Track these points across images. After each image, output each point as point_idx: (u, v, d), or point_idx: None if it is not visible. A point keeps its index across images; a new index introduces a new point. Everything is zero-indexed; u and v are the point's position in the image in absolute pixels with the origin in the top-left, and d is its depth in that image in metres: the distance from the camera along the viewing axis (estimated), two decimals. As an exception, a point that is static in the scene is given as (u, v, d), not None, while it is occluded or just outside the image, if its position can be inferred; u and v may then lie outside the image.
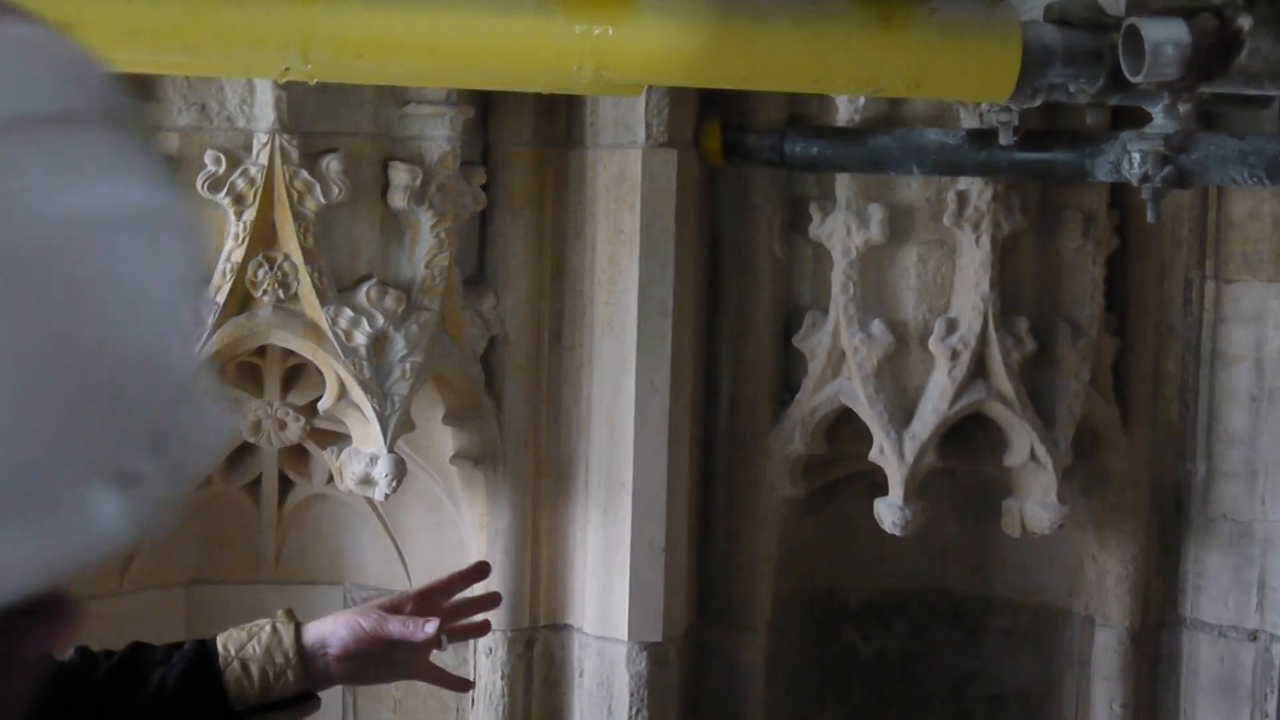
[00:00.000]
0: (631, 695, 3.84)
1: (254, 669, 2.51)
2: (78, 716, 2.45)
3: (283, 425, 3.84)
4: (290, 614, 2.55)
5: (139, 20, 2.60)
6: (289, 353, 3.61)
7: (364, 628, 2.53)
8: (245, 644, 2.56)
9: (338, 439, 3.79)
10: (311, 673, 2.53)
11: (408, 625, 2.53)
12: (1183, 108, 2.93)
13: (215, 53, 2.70)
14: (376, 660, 2.56)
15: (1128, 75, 2.78)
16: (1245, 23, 2.71)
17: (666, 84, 3.39)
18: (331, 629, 2.56)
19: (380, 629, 2.52)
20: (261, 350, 3.67)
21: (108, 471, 0.99)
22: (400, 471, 3.56)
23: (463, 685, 2.82)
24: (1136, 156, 3.21)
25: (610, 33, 2.73)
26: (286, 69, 2.80)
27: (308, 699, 2.52)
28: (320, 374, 3.63)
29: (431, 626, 2.53)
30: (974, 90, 2.98)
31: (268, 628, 2.56)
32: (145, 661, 2.54)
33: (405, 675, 2.62)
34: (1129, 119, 3.45)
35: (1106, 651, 4.12)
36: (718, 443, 3.97)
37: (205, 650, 2.51)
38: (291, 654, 2.54)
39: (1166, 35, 2.71)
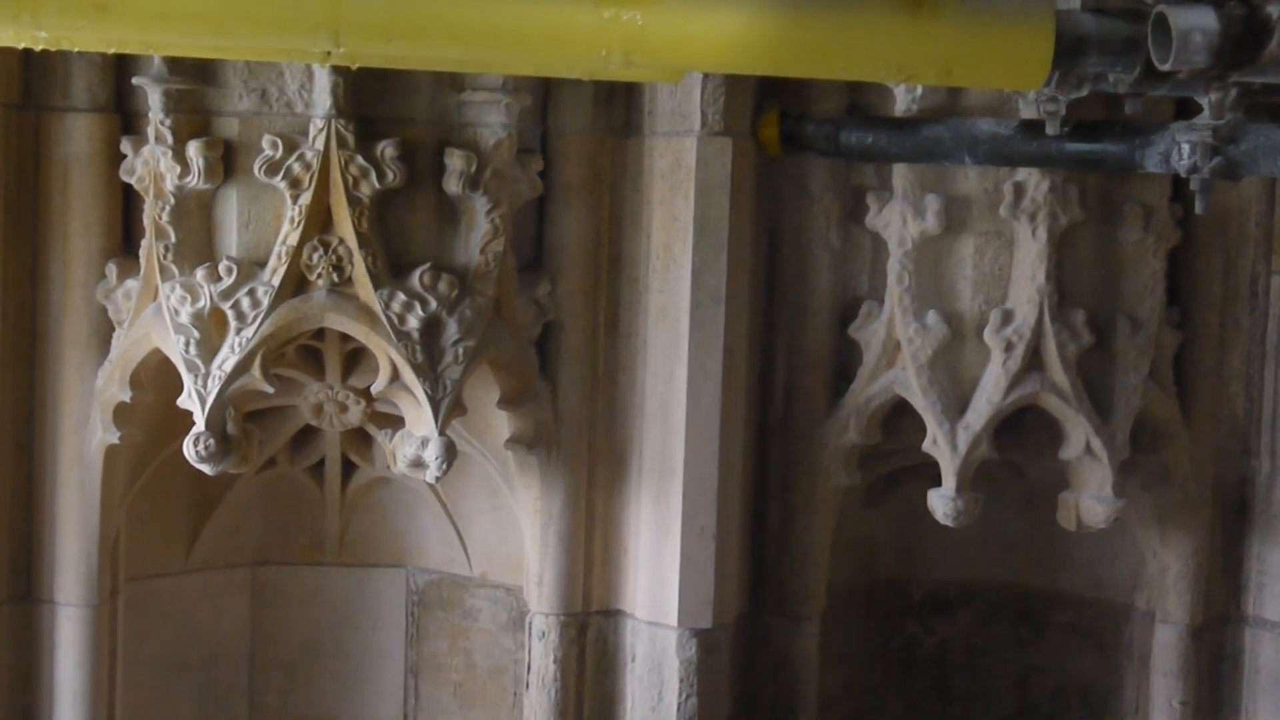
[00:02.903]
0: (681, 681, 3.86)
1: None
2: None
3: (344, 408, 3.89)
4: None
5: (170, 5, 2.64)
6: (348, 337, 3.66)
7: None
8: None
9: (398, 422, 3.84)
10: None
11: None
12: (1215, 96, 2.90)
13: (246, 36, 2.72)
14: None
15: (1156, 63, 2.74)
16: (1274, 10, 2.68)
17: (696, 70, 3.40)
18: None
19: None
20: (321, 334, 3.72)
21: None
22: (450, 455, 3.60)
23: None
24: (1185, 147, 3.18)
25: (639, 19, 2.73)
26: (328, 53, 2.83)
27: None
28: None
29: None
30: (1007, 78, 2.96)
31: None
32: None
33: None
34: (1189, 112, 3.42)
35: (1166, 648, 4.08)
36: (773, 431, 3.98)
37: None
38: None
39: (1195, 23, 2.68)
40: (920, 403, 3.81)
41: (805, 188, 3.89)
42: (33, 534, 3.80)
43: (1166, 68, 2.74)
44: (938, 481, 3.84)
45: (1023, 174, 3.70)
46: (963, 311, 3.80)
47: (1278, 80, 2.93)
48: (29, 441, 3.78)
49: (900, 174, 3.78)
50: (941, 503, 3.81)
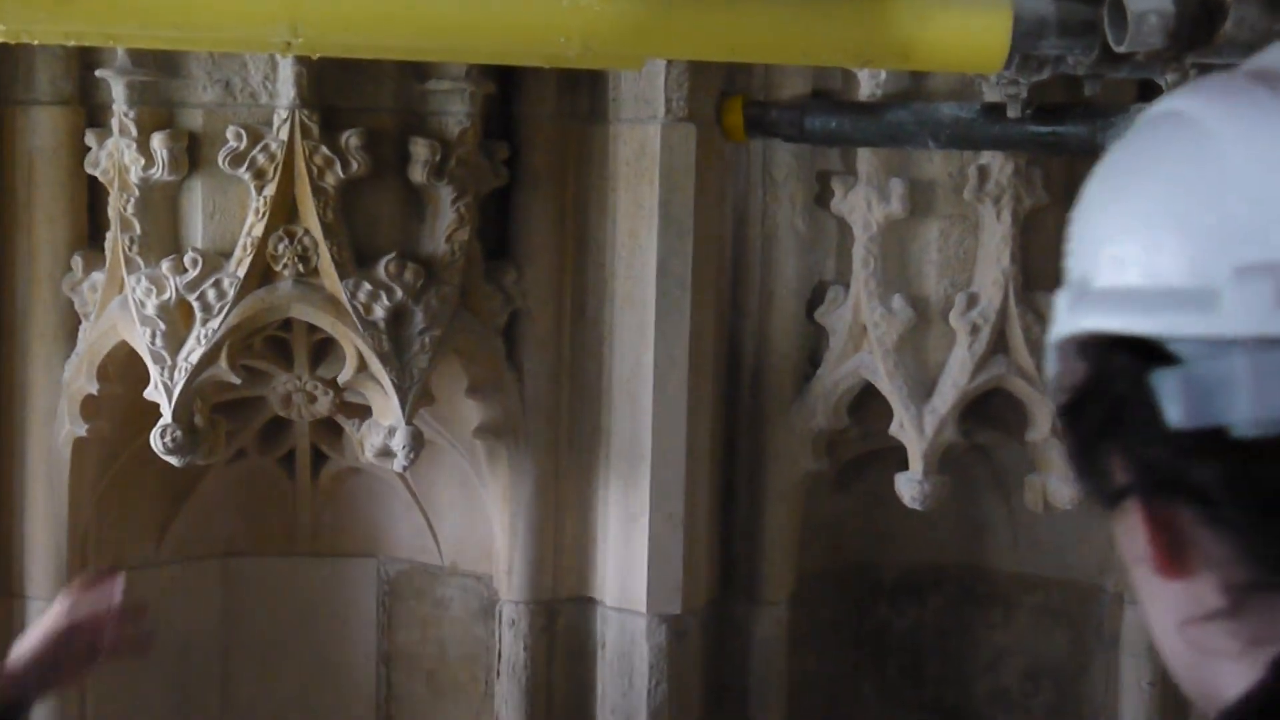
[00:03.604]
0: (651, 667, 3.87)
1: None
2: None
3: (313, 399, 3.90)
4: None
5: (129, -3, 2.65)
6: (316, 327, 3.66)
7: (52, 628, 2.79)
8: None
9: (366, 412, 3.84)
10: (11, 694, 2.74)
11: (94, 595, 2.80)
12: (1172, 77, 2.92)
13: (205, 27, 2.74)
14: (62, 658, 2.78)
15: (1112, 44, 2.76)
16: (1229, -9, 2.70)
17: (655, 56, 3.41)
18: (22, 647, 2.71)
19: (71, 616, 2.79)
20: (288, 324, 3.72)
21: None
22: (418, 443, 3.60)
23: (147, 643, 2.95)
24: (1147, 128, 3.19)
25: (597, 5, 2.75)
26: (288, 43, 2.84)
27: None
28: (347, 348, 3.68)
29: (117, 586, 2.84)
30: (966, 62, 2.97)
31: None
32: None
33: (94, 657, 2.88)
34: (1152, 94, 3.44)
35: (1135, 629, 4.09)
36: (740, 417, 3.99)
37: None
38: None
39: (1150, 4, 2.69)
40: (886, 387, 3.82)
41: (770, 173, 3.90)
42: (1, 529, 3.80)
43: (1123, 50, 2.75)
44: (905, 466, 3.86)
45: (987, 158, 3.72)
46: (928, 295, 3.81)
47: (1234, 61, 2.94)
48: (-4, 435, 3.79)
49: (865, 159, 3.79)
50: (909, 486, 3.82)
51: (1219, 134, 1.30)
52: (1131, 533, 1.33)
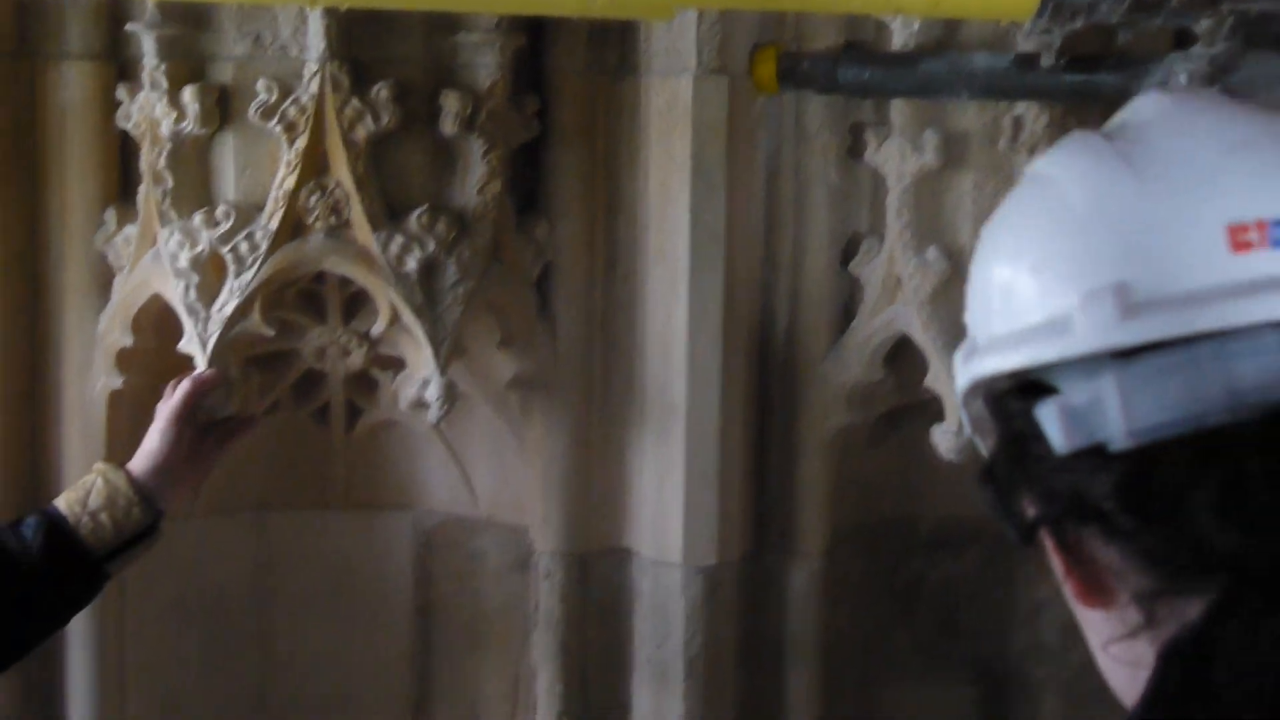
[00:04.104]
0: (687, 619, 3.88)
1: (104, 518, 3.10)
2: None
3: (346, 352, 3.90)
4: (109, 463, 3.28)
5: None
6: (349, 280, 3.67)
7: (169, 424, 3.35)
8: (86, 500, 3.05)
9: (400, 365, 3.85)
10: (155, 500, 3.26)
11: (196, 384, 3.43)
12: (1209, 24, 2.89)
13: (230, -22, 2.74)
14: (189, 455, 3.36)
15: (1144, -9, 2.74)
16: (1262, -65, 2.67)
17: (685, 3, 3.38)
18: (148, 452, 3.20)
19: (180, 409, 3.37)
20: (321, 278, 3.73)
21: None
22: (451, 396, 3.61)
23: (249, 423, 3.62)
24: (1183, 77, 3.16)
25: (623, -46, 2.74)
26: (314, -5, 2.84)
27: (155, 527, 3.23)
28: (380, 300, 3.69)
29: (209, 373, 3.45)
30: (997, 9, 2.94)
31: (98, 481, 3.11)
32: (1, 541, 2.89)
33: (218, 447, 3.54)
34: (1188, 43, 3.40)
35: (1171, 581, 4.07)
36: (774, 369, 3.97)
37: (53, 515, 3.02)
38: (130, 493, 3.14)
39: (1182, -51, 2.67)
40: (921, 338, 3.80)
41: (803, 125, 3.87)
42: (38, 482, 3.83)
43: (1153, -5, 2.73)
44: (941, 418, 3.84)
45: (1021, 108, 3.68)
46: (963, 246, 3.78)
47: (1272, 8, 2.91)
48: (31, 389, 3.81)
49: (898, 110, 3.76)
50: (944, 438, 3.80)
51: (1061, 181, 1.49)
52: (1052, 564, 1.43)
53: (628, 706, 4.02)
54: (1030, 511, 1.43)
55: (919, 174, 3.75)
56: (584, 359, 3.86)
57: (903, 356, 3.95)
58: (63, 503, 3.17)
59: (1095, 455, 1.35)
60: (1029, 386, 1.42)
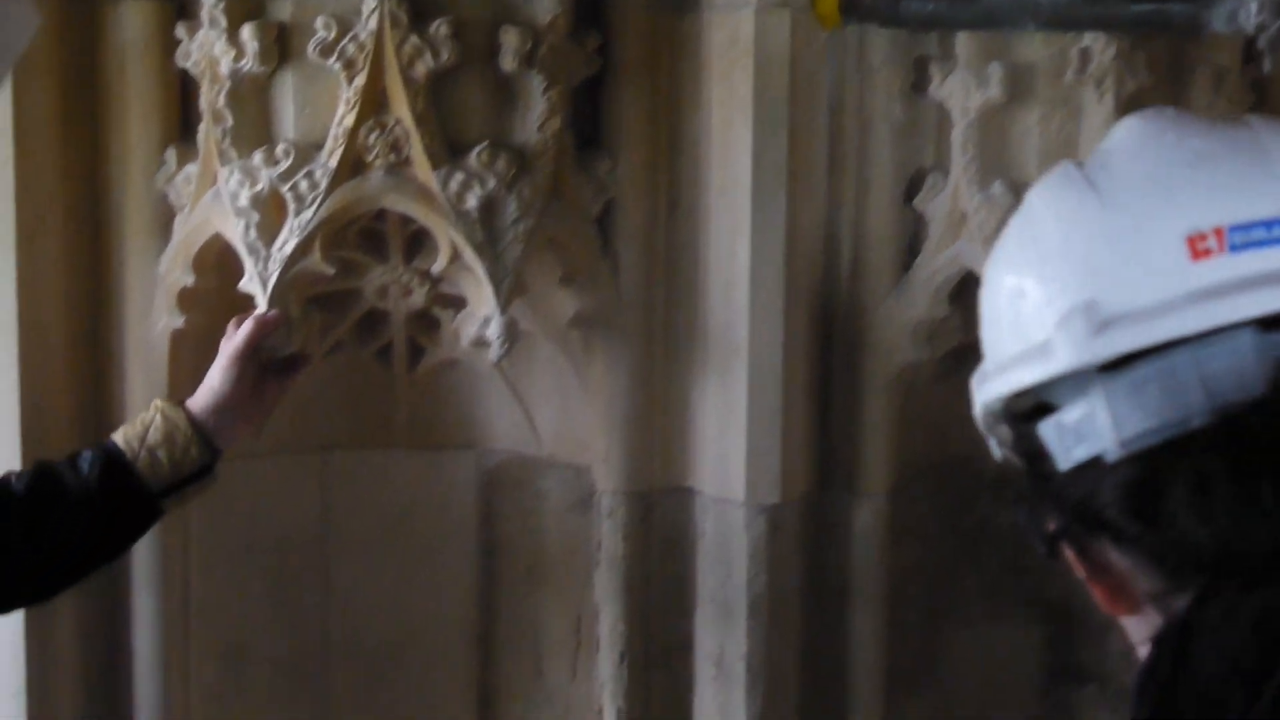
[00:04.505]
0: (750, 557, 3.86)
1: (161, 455, 3.12)
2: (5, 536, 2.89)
3: (408, 291, 3.90)
4: (169, 401, 3.32)
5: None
6: (409, 219, 3.66)
7: (231, 362, 3.38)
8: (145, 436, 3.07)
9: (462, 303, 3.84)
10: (213, 439, 3.28)
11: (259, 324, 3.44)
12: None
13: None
14: (251, 394, 3.38)
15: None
16: None
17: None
18: (209, 390, 3.21)
19: (243, 348, 3.39)
20: (382, 216, 3.72)
21: None
22: (513, 334, 3.60)
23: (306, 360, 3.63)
24: (1254, 5, 3.12)
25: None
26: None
27: (210, 468, 3.27)
28: (441, 239, 3.67)
29: (272, 314, 3.44)
30: (1062, -64, 2.90)
31: (157, 417, 3.12)
32: (59, 472, 2.92)
33: (280, 387, 3.55)
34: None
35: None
36: (838, 306, 3.94)
37: (111, 450, 3.04)
38: (189, 431, 3.15)
39: (1252, -128, 2.62)
40: (986, 275, 3.75)
41: (866, 60, 3.82)
42: (101, 422, 3.84)
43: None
44: (1010, 356, 3.79)
45: (1088, 40, 3.62)
46: (1029, 181, 3.70)
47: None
48: (94, 329, 3.82)
49: (963, 43, 3.71)
50: (1010, 376, 3.76)
51: (1037, 209, 1.59)
52: (1078, 574, 1.56)
53: (690, 645, 4.01)
54: (1050, 528, 1.55)
55: (984, 108, 3.70)
56: (646, 297, 3.84)
57: (968, 293, 3.91)
58: (120, 437, 3.19)
59: (1095, 467, 1.44)
60: (1040, 406, 1.53)
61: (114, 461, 3.13)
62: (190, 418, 3.25)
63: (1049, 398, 1.50)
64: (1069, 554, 1.53)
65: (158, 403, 3.28)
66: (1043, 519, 1.54)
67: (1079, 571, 1.52)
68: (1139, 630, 1.50)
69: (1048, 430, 1.49)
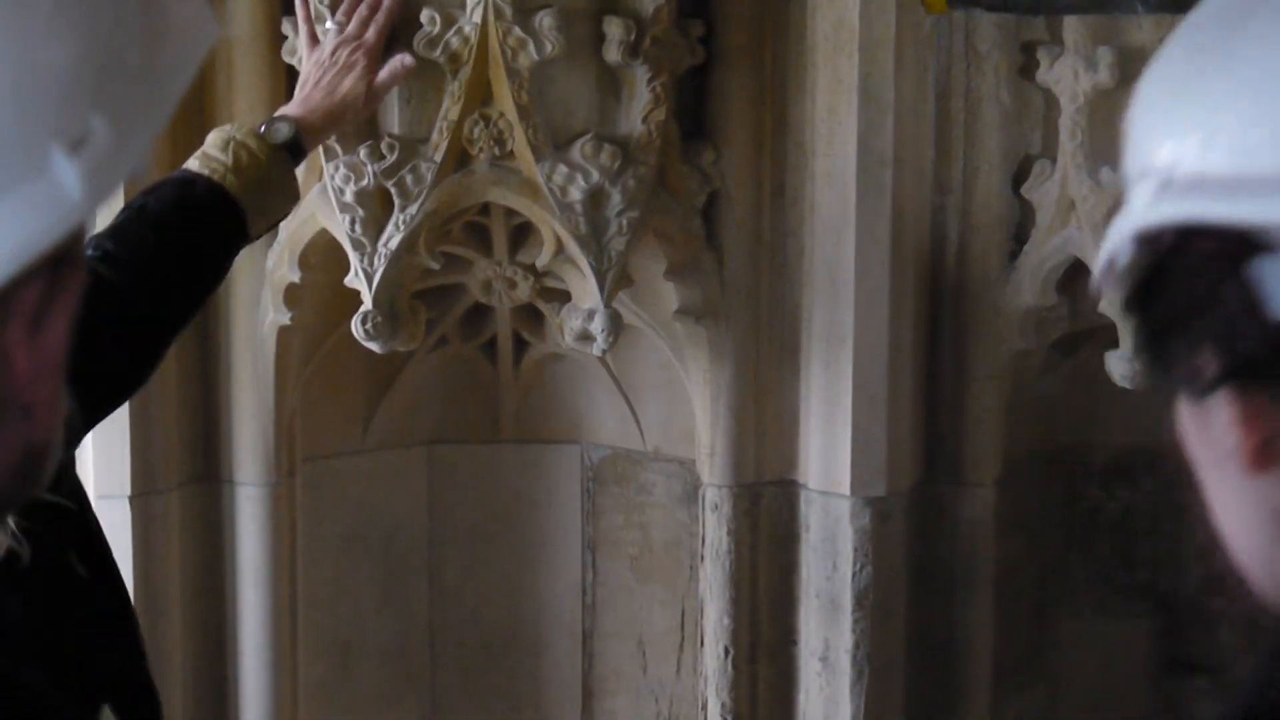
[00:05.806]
0: (855, 550, 3.83)
1: (243, 156, 3.10)
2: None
3: (513, 284, 3.89)
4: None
5: None
6: (514, 212, 3.65)
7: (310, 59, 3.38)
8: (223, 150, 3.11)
9: (566, 297, 3.83)
10: (299, 141, 3.26)
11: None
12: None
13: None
14: (333, 82, 3.33)
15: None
16: None
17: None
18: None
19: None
20: (487, 209, 3.71)
21: (64, 132, 1.05)
22: (616, 326, 3.59)
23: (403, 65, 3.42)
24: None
25: None
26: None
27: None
28: (547, 232, 3.67)
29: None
30: (1177, -84, 2.86)
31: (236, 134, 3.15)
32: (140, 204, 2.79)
33: (367, 87, 3.38)
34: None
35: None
36: (944, 295, 3.91)
37: (186, 170, 2.87)
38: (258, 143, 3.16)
39: None
40: (1095, 262, 3.71)
41: (973, 45, 3.79)
42: (209, 416, 3.86)
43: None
44: (1116, 344, 3.76)
45: (1199, 22, 3.58)
46: (1138, 167, 3.69)
47: None
48: (203, 324, 3.83)
49: (1071, 27, 3.67)
50: (1120, 365, 3.72)
51: None
52: (1216, 427, 1.29)
53: (795, 639, 3.99)
54: (1210, 370, 1.29)
55: (1093, 93, 3.66)
56: (751, 288, 3.82)
57: (1076, 281, 3.86)
58: (196, 163, 3.06)
59: None
60: (1231, 234, 1.23)
61: (190, 179, 3.04)
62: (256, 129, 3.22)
63: (1271, 234, 1.21)
64: (1231, 403, 1.31)
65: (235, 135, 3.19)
66: (1193, 359, 1.32)
67: (1230, 423, 1.31)
68: (1265, 498, 1.31)
69: (1269, 271, 1.20)
